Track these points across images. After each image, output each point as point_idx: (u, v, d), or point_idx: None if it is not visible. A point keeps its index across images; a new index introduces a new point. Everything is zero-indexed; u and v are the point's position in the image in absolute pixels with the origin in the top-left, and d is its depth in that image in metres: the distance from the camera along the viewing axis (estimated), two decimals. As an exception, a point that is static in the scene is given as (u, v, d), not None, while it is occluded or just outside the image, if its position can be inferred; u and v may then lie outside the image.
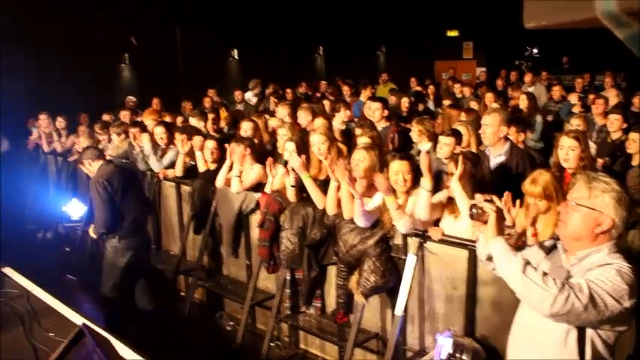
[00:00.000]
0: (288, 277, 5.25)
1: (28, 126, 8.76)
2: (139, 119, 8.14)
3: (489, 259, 2.79)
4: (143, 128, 7.22)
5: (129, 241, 5.26)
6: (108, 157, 5.93)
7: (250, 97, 10.81)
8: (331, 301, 5.20)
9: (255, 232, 5.65)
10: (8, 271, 4.48)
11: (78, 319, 3.43)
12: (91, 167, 5.29)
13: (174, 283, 6.77)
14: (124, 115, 8.88)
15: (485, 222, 2.70)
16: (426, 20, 16.75)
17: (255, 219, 5.57)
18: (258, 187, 5.66)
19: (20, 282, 4.30)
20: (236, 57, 14.42)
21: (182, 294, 6.77)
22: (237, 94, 10.74)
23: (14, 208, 6.72)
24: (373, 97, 8.19)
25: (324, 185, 4.99)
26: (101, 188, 5.03)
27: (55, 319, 3.71)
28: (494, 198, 2.83)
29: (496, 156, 5.18)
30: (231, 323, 6.08)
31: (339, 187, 4.72)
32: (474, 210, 2.76)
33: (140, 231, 5.46)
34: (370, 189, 4.63)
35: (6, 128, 8.16)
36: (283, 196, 5.27)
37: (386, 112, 6.96)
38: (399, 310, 4.46)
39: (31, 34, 9.42)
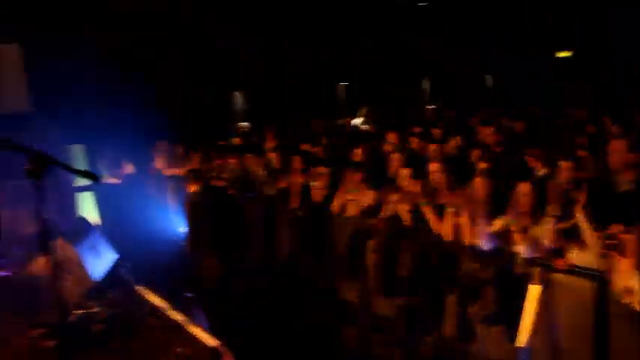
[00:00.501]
0: (405, 303, 5.24)
1: (152, 152, 9.29)
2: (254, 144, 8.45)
3: (628, 291, 2.69)
4: (258, 153, 7.49)
5: None
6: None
7: (358, 122, 10.96)
8: (450, 328, 5.13)
9: (370, 258, 5.69)
10: (142, 290, 4.75)
11: (212, 341, 3.58)
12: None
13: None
14: (237, 141, 9.25)
15: (621, 253, 2.61)
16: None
17: (371, 244, 5.61)
18: (373, 212, 5.71)
19: (154, 301, 4.55)
20: (343, 83, 14.63)
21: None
22: (345, 120, 10.95)
23: (142, 229, 7.13)
24: (485, 122, 8.08)
25: (439, 210, 4.97)
26: None
27: (188, 339, 3.89)
28: (630, 229, 2.73)
29: (624, 183, 4.95)
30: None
31: (456, 213, 4.69)
32: (609, 240, 2.67)
33: None
34: (490, 213, 4.58)
35: (132, 153, 8.69)
36: (398, 222, 5.30)
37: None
38: (520, 341, 4.34)
39: (158, 69, 9.99)
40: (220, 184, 7.54)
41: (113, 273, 5.07)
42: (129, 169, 8.67)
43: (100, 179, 2.03)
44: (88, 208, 7.51)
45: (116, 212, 7.32)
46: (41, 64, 7.88)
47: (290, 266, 6.75)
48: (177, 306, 4.54)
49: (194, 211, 5.48)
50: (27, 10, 7.70)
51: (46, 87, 7.74)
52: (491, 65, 14.33)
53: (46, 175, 1.89)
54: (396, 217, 5.39)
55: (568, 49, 14.61)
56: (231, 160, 8.01)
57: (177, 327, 4.14)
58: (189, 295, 7.08)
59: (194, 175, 5.84)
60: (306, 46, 10.86)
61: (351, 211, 5.75)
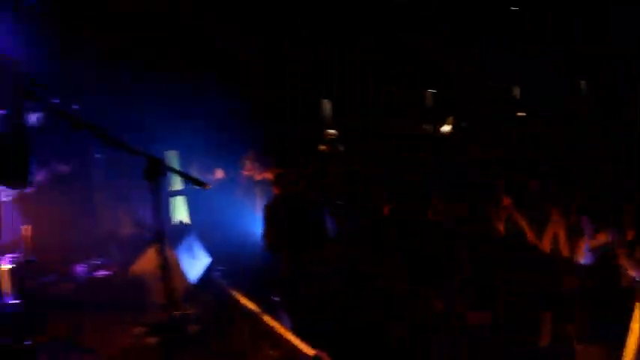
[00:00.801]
0: (498, 316, 5.08)
1: (242, 160, 9.50)
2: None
3: None
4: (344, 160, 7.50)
5: None
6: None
7: (446, 130, 10.82)
8: (545, 346, 4.93)
9: (464, 267, 5.57)
10: (234, 293, 4.86)
11: (309, 349, 3.61)
12: None
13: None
14: (323, 148, 9.30)
15: None
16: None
17: (464, 253, 5.49)
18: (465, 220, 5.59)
19: (246, 304, 4.64)
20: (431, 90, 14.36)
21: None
22: (429, 127, 10.82)
23: (231, 234, 7.29)
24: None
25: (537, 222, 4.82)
26: None
27: (279, 343, 3.93)
28: None
29: None
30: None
31: (555, 226, 4.53)
32: None
33: None
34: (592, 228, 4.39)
35: (223, 160, 8.91)
36: (493, 232, 5.17)
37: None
38: (624, 363, 4.11)
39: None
40: (300, 189, 7.65)
41: (207, 276, 5.22)
42: (219, 174, 8.89)
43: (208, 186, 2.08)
44: (180, 212, 7.77)
45: (206, 217, 7.51)
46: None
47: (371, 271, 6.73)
48: (267, 309, 4.61)
49: (271, 214, 5.57)
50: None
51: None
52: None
53: (161, 179, 1.96)
54: (491, 228, 5.26)
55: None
56: (314, 166, 8.06)
57: (268, 331, 4.20)
58: (275, 298, 7.19)
59: (276, 179, 5.94)
60: (393, 49, 10.79)
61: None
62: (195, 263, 5.00)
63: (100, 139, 1.87)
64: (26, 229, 4.13)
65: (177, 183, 7.68)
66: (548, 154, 7.17)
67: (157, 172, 1.96)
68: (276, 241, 5.43)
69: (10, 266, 3.51)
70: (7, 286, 3.49)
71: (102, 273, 5.58)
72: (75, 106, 5.25)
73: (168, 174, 2.03)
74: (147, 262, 4.72)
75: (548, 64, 10.93)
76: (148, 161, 1.93)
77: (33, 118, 4.24)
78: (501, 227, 5.15)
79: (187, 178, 2.01)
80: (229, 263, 5.69)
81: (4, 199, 4.54)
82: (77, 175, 7.11)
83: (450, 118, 10.94)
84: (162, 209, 2.09)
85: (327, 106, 12.26)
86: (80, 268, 5.74)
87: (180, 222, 7.32)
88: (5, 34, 5.77)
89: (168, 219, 7.12)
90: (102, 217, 6.06)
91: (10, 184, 1.67)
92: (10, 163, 1.65)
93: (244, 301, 4.74)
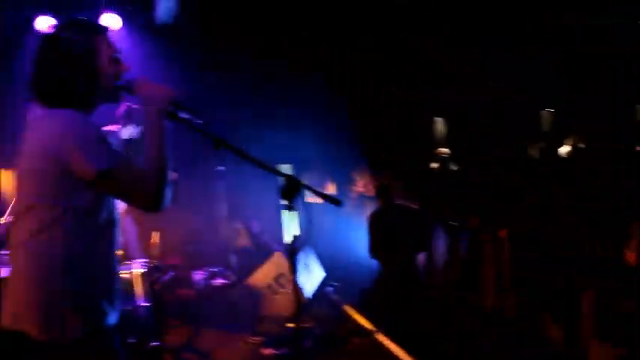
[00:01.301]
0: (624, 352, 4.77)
1: (353, 176, 9.60)
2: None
3: None
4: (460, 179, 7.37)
5: None
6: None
7: (564, 152, 10.32)
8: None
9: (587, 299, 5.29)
10: (348, 309, 4.88)
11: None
12: None
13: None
14: (435, 167, 9.19)
15: None
16: None
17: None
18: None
19: (359, 321, 4.65)
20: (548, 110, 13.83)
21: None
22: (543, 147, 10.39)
23: (342, 250, 7.34)
24: None
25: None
26: None
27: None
28: None
29: None
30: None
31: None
32: None
33: None
34: None
35: (334, 175, 9.04)
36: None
37: None
38: None
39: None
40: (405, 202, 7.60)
41: (321, 291, 5.30)
42: (331, 189, 9.03)
43: (342, 204, 2.11)
44: (292, 226, 7.91)
45: (317, 232, 7.64)
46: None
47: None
48: (381, 327, 4.60)
49: (375, 222, 5.59)
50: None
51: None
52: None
53: (297, 197, 2.01)
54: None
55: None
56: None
57: (382, 349, 4.18)
58: (386, 316, 7.17)
59: (379, 191, 5.95)
60: (516, 67, 10.47)
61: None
62: (310, 278, 5.08)
63: (240, 158, 1.93)
64: (155, 236, 4.36)
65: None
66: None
67: (294, 190, 2.01)
68: (378, 248, 5.46)
69: (142, 270, 3.70)
70: (138, 289, 3.69)
71: (220, 281, 5.82)
72: (199, 121, 5.50)
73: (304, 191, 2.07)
74: (264, 274, 4.86)
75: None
76: (285, 180, 1.98)
77: (127, 132, 4.49)
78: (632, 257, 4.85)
79: (321, 196, 2.05)
80: (341, 279, 5.75)
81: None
82: (199, 186, 7.48)
83: (571, 139, 10.44)
84: (294, 226, 2.15)
85: (440, 124, 12.11)
86: (199, 276, 6.01)
87: (299, 235, 7.46)
88: (138, 52, 6.19)
89: (283, 233, 7.28)
90: (221, 228, 6.30)
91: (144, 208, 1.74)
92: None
93: (358, 318, 4.76)
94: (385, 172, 8.59)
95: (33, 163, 1.64)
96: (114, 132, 4.36)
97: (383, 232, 5.45)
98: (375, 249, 5.40)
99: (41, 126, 1.65)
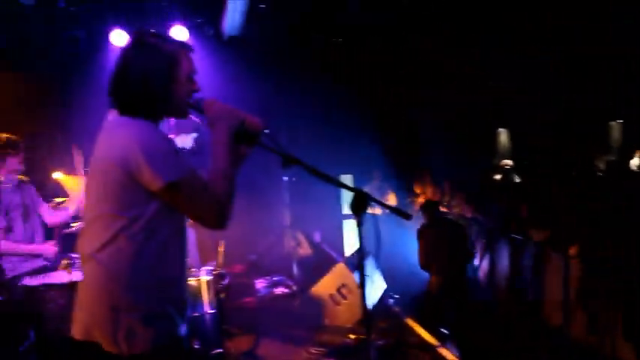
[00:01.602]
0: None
1: (414, 187, 9.51)
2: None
3: None
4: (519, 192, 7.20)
5: None
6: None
7: (636, 164, 9.89)
8: None
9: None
10: (411, 322, 4.84)
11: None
12: None
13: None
14: (498, 179, 9.01)
15: None
16: None
17: None
18: None
19: (422, 335, 4.60)
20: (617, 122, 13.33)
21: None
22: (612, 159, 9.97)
23: (402, 261, 7.28)
24: None
25: None
26: None
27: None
28: None
29: None
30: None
31: None
32: None
33: None
34: None
35: (395, 185, 8.97)
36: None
37: None
38: None
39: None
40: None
41: (383, 302, 5.27)
42: (392, 199, 8.96)
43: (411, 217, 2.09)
44: (355, 237, 7.90)
45: (378, 243, 7.59)
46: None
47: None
48: (444, 341, 4.55)
49: (423, 236, 5.57)
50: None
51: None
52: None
53: (365, 211, 2.01)
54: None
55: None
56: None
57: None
58: (444, 330, 7.05)
59: (424, 207, 5.92)
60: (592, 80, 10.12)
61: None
62: (372, 289, 5.07)
63: (309, 173, 1.94)
64: (221, 245, 4.44)
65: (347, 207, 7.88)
66: None
67: (363, 205, 2.00)
68: (427, 261, 5.42)
69: (208, 278, 3.77)
70: (205, 296, 3.76)
71: (281, 290, 5.88)
72: (266, 131, 5.58)
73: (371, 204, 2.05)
74: (327, 284, 4.87)
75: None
76: (354, 195, 1.98)
77: (181, 141, 4.59)
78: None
79: (390, 209, 2.04)
80: (402, 290, 5.70)
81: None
82: (263, 196, 7.58)
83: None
84: (358, 238, 2.14)
85: (504, 135, 11.87)
86: (261, 284, 6.09)
87: (362, 246, 7.45)
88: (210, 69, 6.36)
89: (344, 243, 7.31)
90: (283, 237, 6.37)
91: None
92: None
93: (419, 331, 4.71)
94: (445, 183, 8.51)
95: (102, 171, 1.66)
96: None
97: (431, 245, 5.45)
98: (424, 261, 5.41)
99: (113, 134, 1.68)
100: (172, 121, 2.34)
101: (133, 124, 1.67)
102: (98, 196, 1.68)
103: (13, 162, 3.65)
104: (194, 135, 4.63)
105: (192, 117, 1.90)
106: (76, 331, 1.71)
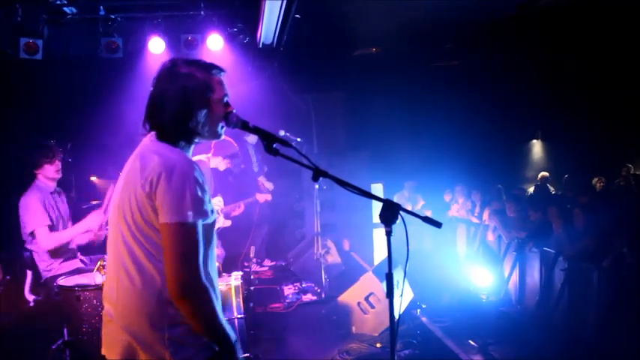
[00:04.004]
0: None
1: (445, 197, 9.43)
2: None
3: None
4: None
5: None
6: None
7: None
8: None
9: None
10: (438, 332, 4.82)
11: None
12: None
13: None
14: (531, 190, 8.91)
15: None
16: None
17: None
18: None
19: (449, 345, 4.57)
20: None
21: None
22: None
23: (431, 272, 7.20)
24: None
25: None
26: None
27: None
28: None
29: None
30: None
31: None
32: None
33: None
34: None
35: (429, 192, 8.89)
36: None
37: None
38: None
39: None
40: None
41: (410, 312, 5.25)
42: (419, 200, 8.89)
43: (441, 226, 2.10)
44: (384, 246, 7.88)
45: (406, 252, 7.54)
46: (360, 108, 8.70)
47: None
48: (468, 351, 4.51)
49: None
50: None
51: (361, 129, 8.53)
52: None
53: (395, 222, 2.03)
54: None
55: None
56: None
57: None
58: (472, 343, 6.97)
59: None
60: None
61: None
62: (399, 298, 5.05)
63: (340, 185, 1.97)
64: (251, 251, 4.50)
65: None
66: None
67: (393, 215, 2.03)
68: None
69: (237, 283, 3.80)
70: (234, 301, 3.79)
71: (309, 297, 5.90)
72: (298, 139, 5.64)
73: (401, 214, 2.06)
74: (355, 293, 4.89)
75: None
76: (384, 205, 2.00)
77: (215, 162, 4.66)
78: None
79: (421, 218, 2.06)
80: (429, 300, 5.66)
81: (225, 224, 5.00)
82: (294, 203, 7.65)
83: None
84: (387, 247, 2.16)
85: (538, 146, 11.77)
86: (289, 291, 6.12)
87: (389, 254, 7.43)
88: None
89: (374, 252, 7.29)
90: (313, 244, 6.39)
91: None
92: None
93: (447, 342, 4.70)
94: (475, 194, 8.44)
95: (132, 191, 1.70)
96: (202, 162, 4.55)
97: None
98: None
99: (147, 160, 1.71)
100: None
101: (168, 154, 1.71)
102: (124, 213, 1.73)
103: (50, 170, 3.81)
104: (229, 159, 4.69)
105: (226, 138, 1.93)
106: (113, 352, 1.75)
